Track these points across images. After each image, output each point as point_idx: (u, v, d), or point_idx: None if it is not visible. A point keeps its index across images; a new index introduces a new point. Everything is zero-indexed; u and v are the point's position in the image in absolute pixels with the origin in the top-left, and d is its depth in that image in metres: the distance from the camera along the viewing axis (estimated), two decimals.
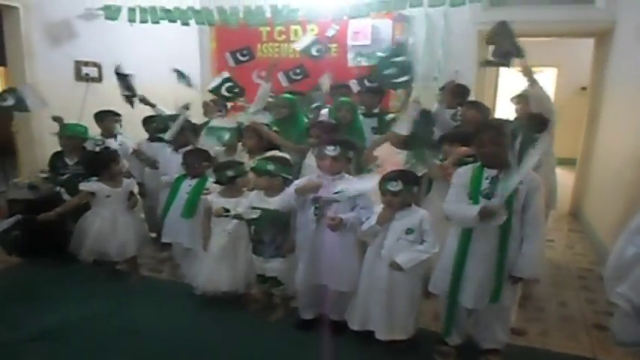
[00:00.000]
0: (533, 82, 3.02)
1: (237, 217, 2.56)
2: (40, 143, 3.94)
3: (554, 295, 3.01)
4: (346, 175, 2.37)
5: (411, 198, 2.22)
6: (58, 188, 3.35)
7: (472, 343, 2.29)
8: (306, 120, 3.59)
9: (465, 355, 2.26)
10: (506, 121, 2.20)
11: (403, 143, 2.76)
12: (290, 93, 3.66)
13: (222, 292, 2.68)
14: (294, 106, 3.45)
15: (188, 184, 3.02)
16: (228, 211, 2.59)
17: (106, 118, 3.74)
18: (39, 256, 3.30)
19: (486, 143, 2.02)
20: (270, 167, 2.46)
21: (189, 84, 4.38)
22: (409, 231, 2.17)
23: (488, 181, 2.03)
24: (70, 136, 3.38)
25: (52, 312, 2.67)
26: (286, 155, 2.62)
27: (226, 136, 3.38)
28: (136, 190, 3.46)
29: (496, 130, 2.02)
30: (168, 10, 4.39)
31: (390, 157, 2.95)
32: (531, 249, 2.00)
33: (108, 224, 3.04)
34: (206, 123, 3.81)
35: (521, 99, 3.31)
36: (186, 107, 3.79)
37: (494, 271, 2.03)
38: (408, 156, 2.87)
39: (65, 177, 3.33)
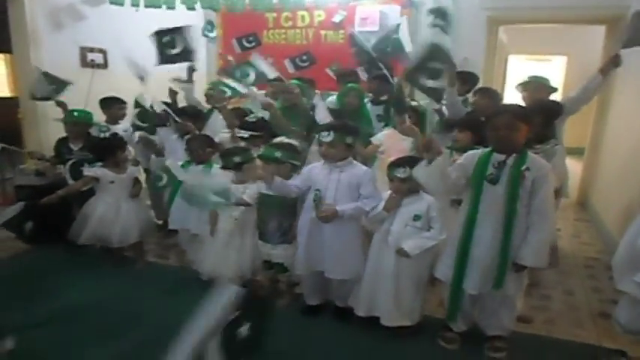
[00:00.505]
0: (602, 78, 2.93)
1: (240, 204, 2.57)
2: (45, 130, 3.95)
3: (560, 284, 3.00)
4: (353, 162, 2.35)
5: (417, 184, 2.21)
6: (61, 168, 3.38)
7: (477, 329, 2.29)
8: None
9: (469, 341, 2.26)
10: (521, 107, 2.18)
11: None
12: (298, 79, 3.64)
13: (228, 278, 2.69)
14: (301, 92, 3.43)
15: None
16: None
17: (112, 105, 3.74)
18: (46, 242, 3.31)
19: (500, 127, 1.97)
20: (278, 154, 2.45)
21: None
22: (416, 217, 2.17)
23: (494, 166, 2.00)
24: (75, 122, 3.39)
25: (59, 298, 2.69)
26: (293, 142, 2.60)
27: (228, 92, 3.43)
28: (142, 177, 3.46)
29: (511, 114, 1.98)
30: None
31: (396, 143, 2.94)
32: (536, 237, 1.98)
33: (111, 210, 3.05)
34: (211, 110, 3.80)
35: (527, 86, 3.26)
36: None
37: (498, 256, 2.02)
38: (414, 142, 2.86)
39: (70, 162, 3.35)
